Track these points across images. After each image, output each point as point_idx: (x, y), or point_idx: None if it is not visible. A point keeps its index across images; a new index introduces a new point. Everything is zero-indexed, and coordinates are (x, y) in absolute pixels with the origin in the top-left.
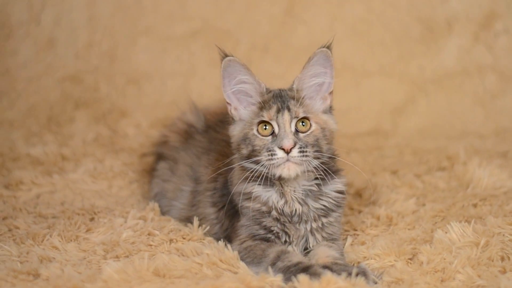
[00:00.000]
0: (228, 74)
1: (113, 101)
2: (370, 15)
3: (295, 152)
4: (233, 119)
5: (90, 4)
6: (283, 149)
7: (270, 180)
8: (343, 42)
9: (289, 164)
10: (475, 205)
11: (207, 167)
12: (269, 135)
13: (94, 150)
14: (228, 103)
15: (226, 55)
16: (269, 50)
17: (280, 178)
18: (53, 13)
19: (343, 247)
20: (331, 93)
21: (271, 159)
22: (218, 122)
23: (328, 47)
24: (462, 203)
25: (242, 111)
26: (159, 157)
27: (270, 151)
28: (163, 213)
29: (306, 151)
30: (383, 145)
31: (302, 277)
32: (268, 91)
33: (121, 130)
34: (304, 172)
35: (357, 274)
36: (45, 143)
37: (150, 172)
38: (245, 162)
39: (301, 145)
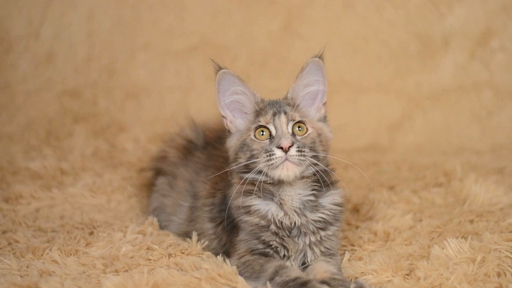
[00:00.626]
0: (222, 87)
1: (112, 116)
2: (367, 31)
3: (293, 150)
4: (229, 131)
5: (89, 19)
6: (281, 148)
7: (268, 192)
8: (340, 58)
9: (288, 164)
10: (471, 221)
11: (205, 183)
12: (266, 139)
13: (93, 165)
14: (223, 116)
15: (221, 68)
16: (267, 65)
17: (279, 182)
18: (52, 28)
19: (341, 262)
20: (325, 103)
21: (270, 159)
22: (217, 138)
23: (320, 57)
24: (458, 219)
25: (238, 121)
26: (158, 172)
27: (268, 152)
28: (161, 227)
29: (304, 151)
30: (380, 160)
31: None
32: (263, 100)
33: (119, 144)
34: (302, 177)
35: None
36: (44, 157)
37: (149, 187)
38: (243, 172)
39: (299, 144)
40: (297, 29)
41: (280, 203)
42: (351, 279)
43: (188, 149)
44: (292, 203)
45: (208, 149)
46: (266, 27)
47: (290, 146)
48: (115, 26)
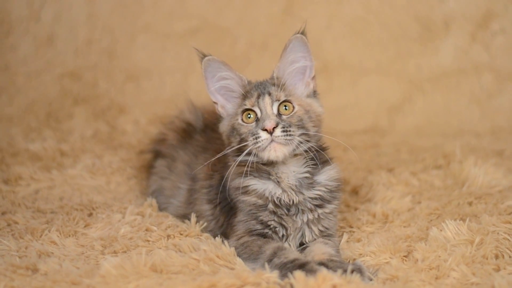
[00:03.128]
0: (209, 74)
1: (112, 98)
2: (368, 14)
3: (278, 131)
4: (221, 116)
5: (89, 1)
6: (266, 130)
7: (264, 171)
8: (341, 41)
9: (274, 145)
10: (470, 203)
11: (203, 165)
12: (253, 122)
13: (93, 146)
14: (214, 102)
15: (205, 55)
16: (267, 48)
17: (270, 162)
18: (53, 10)
19: (339, 244)
20: (313, 78)
21: (256, 142)
22: (216, 121)
23: (302, 33)
24: (457, 201)
25: (228, 106)
26: (157, 154)
27: (254, 135)
28: (160, 210)
29: (289, 131)
30: (380, 142)
31: (298, 274)
32: (250, 83)
33: (119, 126)
34: (292, 154)
35: (352, 271)
36: (44, 139)
37: (148, 169)
38: (236, 155)
39: (284, 124)
40: (298, 12)
41: (278, 181)
42: (349, 261)
43: (187, 132)
44: (288, 181)
45: (207, 132)
46: (267, 10)
47: (274, 127)
48: (116, 8)
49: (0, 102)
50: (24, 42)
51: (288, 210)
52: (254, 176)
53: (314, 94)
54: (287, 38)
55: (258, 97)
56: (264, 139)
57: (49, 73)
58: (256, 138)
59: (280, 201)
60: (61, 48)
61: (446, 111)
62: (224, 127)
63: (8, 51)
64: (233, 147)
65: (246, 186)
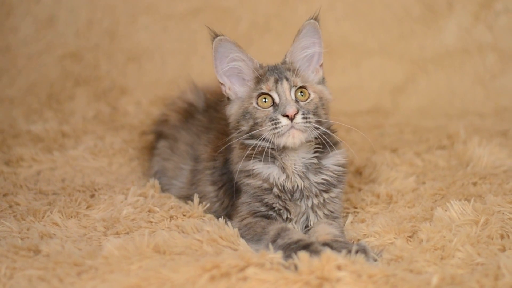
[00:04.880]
0: (220, 54)
1: (114, 79)
2: None
3: (299, 118)
4: (228, 98)
5: None
6: (287, 116)
7: (271, 156)
8: (344, 21)
9: (294, 131)
10: (474, 184)
11: (206, 146)
12: (269, 107)
13: (95, 127)
14: (221, 83)
15: (217, 35)
16: (269, 28)
17: (284, 148)
18: None
19: (344, 225)
20: (321, 65)
21: (275, 128)
22: (218, 101)
23: (316, 19)
24: (462, 181)
25: (238, 88)
26: (160, 135)
27: (273, 120)
28: (163, 191)
29: (308, 117)
30: (383, 123)
31: (302, 255)
32: (262, 66)
33: (121, 107)
34: (306, 141)
35: (357, 252)
36: (46, 120)
37: (151, 150)
38: (245, 139)
39: (303, 111)
40: None
41: (282, 167)
42: (353, 241)
43: (189, 112)
44: (295, 167)
45: (209, 112)
46: None
47: (295, 114)
48: None
49: (1, 84)
50: (24, 23)
51: (292, 195)
52: (259, 160)
53: (323, 81)
54: (289, 18)
55: (276, 82)
56: (285, 125)
57: (50, 54)
58: (275, 124)
59: (283, 187)
60: (62, 29)
61: (449, 91)
62: (233, 109)
63: (8, 33)
64: (242, 131)
65: (251, 170)
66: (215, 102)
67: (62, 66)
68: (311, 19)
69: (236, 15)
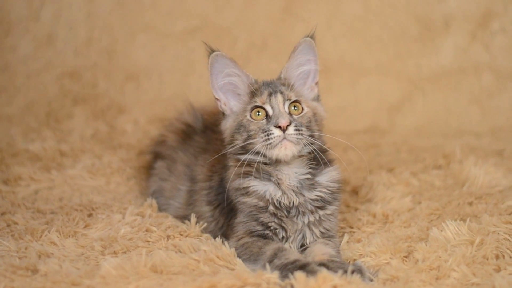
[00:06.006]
0: (215, 70)
1: (112, 97)
2: (368, 13)
3: (291, 129)
4: (223, 114)
5: (89, 0)
6: (280, 127)
7: (266, 173)
8: (341, 40)
9: (286, 143)
10: (470, 204)
11: (203, 166)
12: (263, 119)
13: (92, 146)
14: (217, 99)
15: (213, 50)
16: (267, 47)
17: (276, 161)
18: (52, 10)
19: (340, 245)
20: (317, 83)
21: (268, 139)
22: (216, 122)
23: (311, 37)
24: (457, 201)
25: (233, 103)
26: (157, 156)
27: (266, 131)
28: (160, 211)
29: (301, 130)
30: (380, 143)
31: (299, 275)
32: (257, 81)
33: (119, 126)
34: (299, 155)
35: (353, 272)
36: (44, 139)
37: (148, 169)
38: (239, 153)
39: (296, 123)
40: (298, 11)
41: (278, 183)
42: (349, 261)
43: (186, 133)
44: (289, 182)
45: (207, 133)
46: (266, 9)
47: (288, 125)
48: (115, 8)
49: (0, 102)
50: (23, 41)
51: (288, 212)
52: (255, 177)
53: (318, 98)
54: (286, 37)
55: (270, 95)
56: (277, 136)
57: (49, 73)
58: (268, 135)
59: (280, 203)
60: (61, 48)
61: (446, 111)
62: (227, 124)
63: (7, 51)
64: (236, 145)
65: (247, 187)
66: (213, 123)
67: (61, 85)
68: (307, 37)
69: (233, 34)
